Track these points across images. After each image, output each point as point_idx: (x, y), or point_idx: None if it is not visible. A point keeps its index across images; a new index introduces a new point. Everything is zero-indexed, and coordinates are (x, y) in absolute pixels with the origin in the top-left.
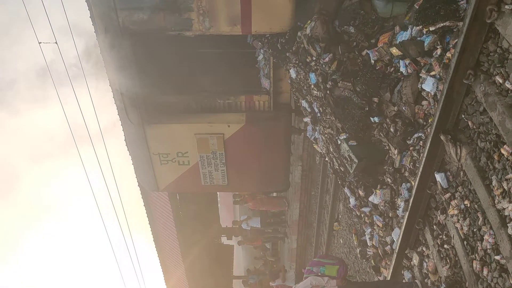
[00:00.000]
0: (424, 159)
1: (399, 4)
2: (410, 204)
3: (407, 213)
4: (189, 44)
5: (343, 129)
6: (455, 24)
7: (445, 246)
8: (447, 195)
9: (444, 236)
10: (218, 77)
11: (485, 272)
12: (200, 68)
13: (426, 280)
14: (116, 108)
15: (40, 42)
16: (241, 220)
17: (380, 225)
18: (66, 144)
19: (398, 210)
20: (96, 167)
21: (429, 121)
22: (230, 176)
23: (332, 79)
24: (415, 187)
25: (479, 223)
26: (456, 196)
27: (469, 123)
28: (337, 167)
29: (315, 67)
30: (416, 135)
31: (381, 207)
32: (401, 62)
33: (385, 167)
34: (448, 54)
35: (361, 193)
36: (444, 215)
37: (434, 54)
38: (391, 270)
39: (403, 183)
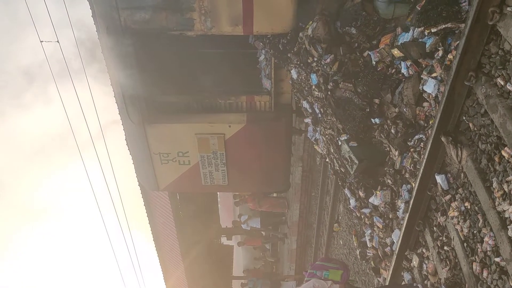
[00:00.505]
0: (424, 160)
1: (401, 6)
2: (410, 206)
3: (407, 214)
4: (191, 44)
5: (344, 130)
6: (457, 26)
7: (445, 248)
8: (448, 196)
9: (444, 238)
10: (219, 77)
11: (485, 274)
12: (201, 68)
13: (425, 281)
14: (117, 107)
15: (42, 41)
16: (241, 220)
17: (380, 226)
18: (66, 143)
19: (398, 211)
20: (97, 166)
21: (430, 122)
22: (231, 176)
23: (333, 80)
24: (416, 188)
25: (479, 225)
26: (456, 198)
27: (470, 125)
28: (338, 168)
29: (317, 68)
30: (417, 137)
31: (381, 209)
32: (402, 63)
33: (385, 169)
34: (450, 56)
35: (361, 194)
36: (444, 216)
37: (435, 55)
38: (390, 272)
39: (404, 185)
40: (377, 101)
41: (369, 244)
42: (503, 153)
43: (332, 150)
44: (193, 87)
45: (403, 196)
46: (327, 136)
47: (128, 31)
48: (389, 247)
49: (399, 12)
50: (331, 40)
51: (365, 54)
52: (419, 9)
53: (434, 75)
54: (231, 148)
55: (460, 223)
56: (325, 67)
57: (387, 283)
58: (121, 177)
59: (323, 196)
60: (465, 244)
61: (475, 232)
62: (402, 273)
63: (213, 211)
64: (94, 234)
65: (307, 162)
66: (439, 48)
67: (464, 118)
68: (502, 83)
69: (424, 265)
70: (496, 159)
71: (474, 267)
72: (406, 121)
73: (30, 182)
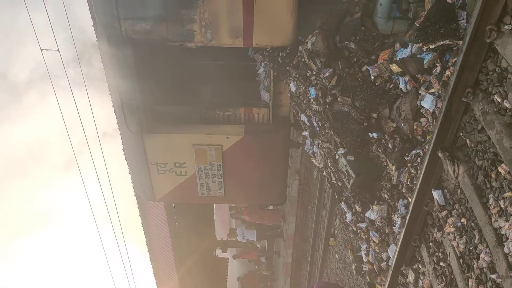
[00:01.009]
0: (421, 175)
1: (400, 22)
2: (406, 221)
3: (404, 229)
4: (191, 55)
5: (342, 143)
6: (455, 43)
7: (441, 263)
8: (444, 212)
9: (440, 254)
10: (219, 88)
11: None
12: (200, 79)
13: None
14: (115, 116)
15: (43, 49)
16: (237, 233)
17: (376, 241)
18: (63, 151)
19: (394, 226)
20: (93, 174)
21: (427, 138)
22: (227, 188)
23: (332, 94)
24: (412, 203)
25: (476, 241)
26: (453, 214)
27: (467, 141)
28: (335, 182)
29: (315, 82)
30: (414, 152)
31: (378, 223)
32: (400, 78)
33: (382, 183)
34: (448, 72)
35: (358, 208)
36: (441, 232)
37: (433, 71)
38: (386, 287)
39: (400, 200)
40: (375, 115)
41: (365, 259)
42: (500, 169)
43: (329, 164)
44: (192, 98)
45: (399, 211)
46: (324, 150)
47: (128, 41)
48: (385, 262)
49: (397, 28)
50: (330, 54)
51: (364, 68)
52: (418, 25)
53: (432, 90)
54: (228, 160)
55: (456, 239)
56: (323, 80)
57: None
58: (117, 187)
59: (319, 209)
60: (461, 260)
61: (471, 248)
62: None
63: (209, 223)
64: (88, 243)
65: (304, 176)
66: (437, 64)
67: (461, 134)
68: (499, 100)
69: (420, 281)
70: (493, 175)
71: (470, 283)
72: (404, 136)
73: (25, 192)
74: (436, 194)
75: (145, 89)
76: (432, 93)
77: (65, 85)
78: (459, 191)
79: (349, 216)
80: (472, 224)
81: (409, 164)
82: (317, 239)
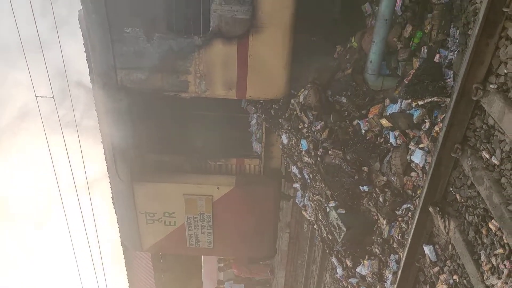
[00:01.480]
0: (412, 230)
1: (389, 79)
2: (398, 277)
3: (395, 286)
4: (184, 105)
5: (333, 196)
6: (443, 100)
7: None
8: (436, 269)
9: None
10: (211, 138)
11: None
12: (193, 129)
13: None
14: (105, 163)
15: (37, 96)
16: (225, 285)
17: None
18: (50, 194)
19: (386, 282)
20: (79, 221)
21: (418, 192)
22: (216, 239)
23: (323, 147)
24: (404, 259)
25: None
26: (445, 270)
27: (457, 196)
28: (325, 235)
29: (307, 134)
30: (404, 206)
31: (369, 279)
32: (390, 133)
33: (373, 237)
34: (436, 128)
35: (348, 263)
36: None
37: (422, 127)
38: None
39: (392, 254)
40: (365, 169)
41: None
42: (490, 225)
43: (320, 217)
44: (184, 147)
45: (391, 266)
46: (315, 202)
47: (123, 89)
48: None
49: (387, 84)
50: (321, 108)
51: (355, 122)
52: (407, 82)
53: (421, 146)
54: (218, 211)
55: None
56: (315, 133)
57: None
58: (103, 235)
59: (309, 264)
60: None
61: None
62: None
63: (196, 275)
64: None
65: (295, 229)
66: (426, 120)
67: (451, 189)
68: (487, 156)
69: None
70: (484, 231)
71: None
72: (394, 190)
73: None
74: (427, 249)
75: (137, 137)
76: (422, 148)
77: (64, 128)
78: (450, 246)
79: (339, 271)
80: (465, 281)
81: (400, 219)
82: None
